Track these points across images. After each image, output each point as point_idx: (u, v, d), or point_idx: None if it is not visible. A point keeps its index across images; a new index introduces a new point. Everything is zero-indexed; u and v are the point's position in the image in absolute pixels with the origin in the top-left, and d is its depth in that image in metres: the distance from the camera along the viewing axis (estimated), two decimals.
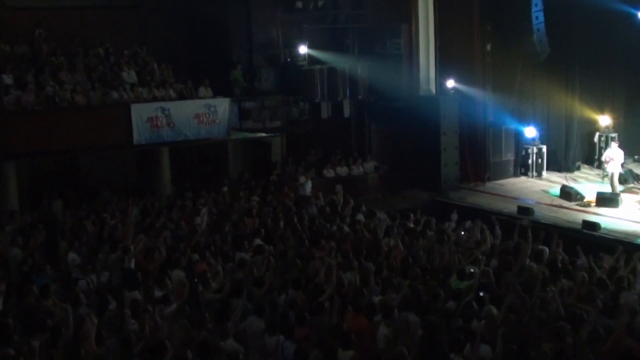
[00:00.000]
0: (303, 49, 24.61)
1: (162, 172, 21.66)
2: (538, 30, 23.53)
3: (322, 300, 10.74)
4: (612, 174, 21.64)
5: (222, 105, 21.93)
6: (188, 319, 9.87)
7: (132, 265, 13.11)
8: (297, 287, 11.50)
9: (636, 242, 17.41)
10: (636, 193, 22.00)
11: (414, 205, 20.42)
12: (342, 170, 24.27)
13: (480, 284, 11.75)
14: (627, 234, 18.12)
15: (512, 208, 20.76)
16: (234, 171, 23.75)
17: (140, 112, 20.35)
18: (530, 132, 25.47)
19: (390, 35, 25.21)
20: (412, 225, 16.56)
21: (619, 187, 21.72)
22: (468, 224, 17.20)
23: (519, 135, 25.66)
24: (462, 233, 16.36)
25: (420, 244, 14.61)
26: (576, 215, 19.90)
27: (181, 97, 21.69)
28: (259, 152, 24.63)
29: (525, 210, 20.18)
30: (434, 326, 9.64)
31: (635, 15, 23.18)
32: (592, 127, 25.77)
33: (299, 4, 24.86)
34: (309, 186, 21.56)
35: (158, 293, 11.47)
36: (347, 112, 25.89)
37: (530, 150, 25.37)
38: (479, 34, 24.17)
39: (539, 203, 21.53)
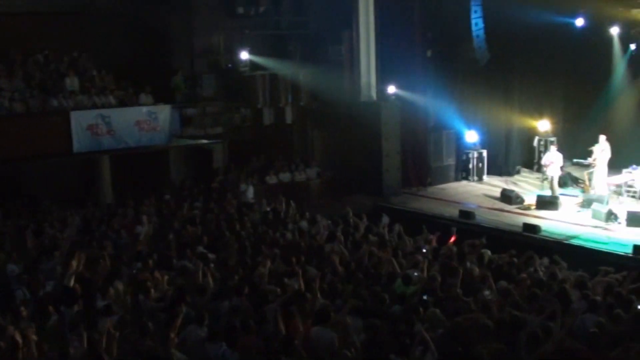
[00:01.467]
0: (245, 55, 24.48)
1: (102, 180, 21.36)
2: (477, 36, 23.83)
3: (266, 308, 10.67)
4: (552, 178, 22.07)
5: (163, 112, 21.79)
6: (131, 330, 9.72)
7: (72, 279, 12.83)
8: (240, 295, 11.42)
9: (573, 244, 17.78)
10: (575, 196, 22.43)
11: (358, 211, 20.45)
12: (285, 177, 24.24)
13: (424, 288, 11.85)
14: (567, 235, 18.46)
15: (453, 212, 20.95)
16: (176, 178, 23.58)
17: (80, 120, 20.12)
18: (471, 136, 25.79)
19: (331, 42, 25.34)
20: (354, 230, 16.66)
21: (558, 190, 22.14)
22: (396, 226, 17.25)
23: (459, 140, 25.95)
24: (405, 238, 16.40)
25: (363, 249, 14.65)
26: (517, 219, 20.19)
27: (122, 104, 21.48)
28: (200, 159, 24.43)
29: (466, 214, 20.41)
30: (377, 330, 9.66)
31: (572, 24, 23.70)
32: (532, 131, 26.15)
33: (241, 10, 24.70)
34: (251, 193, 21.51)
35: (100, 303, 11.27)
36: (289, 118, 25.87)
37: (471, 155, 25.69)
38: (419, 40, 24.38)
39: (480, 207, 21.78)
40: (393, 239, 16.21)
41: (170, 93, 23.26)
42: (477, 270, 13.21)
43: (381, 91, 24.50)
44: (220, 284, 12.28)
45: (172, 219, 17.72)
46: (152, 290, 11.71)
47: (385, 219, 18.06)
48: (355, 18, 24.30)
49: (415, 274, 12.75)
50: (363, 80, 24.44)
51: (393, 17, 24.26)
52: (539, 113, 26.20)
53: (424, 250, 14.72)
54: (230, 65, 24.94)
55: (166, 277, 12.70)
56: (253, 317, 10.36)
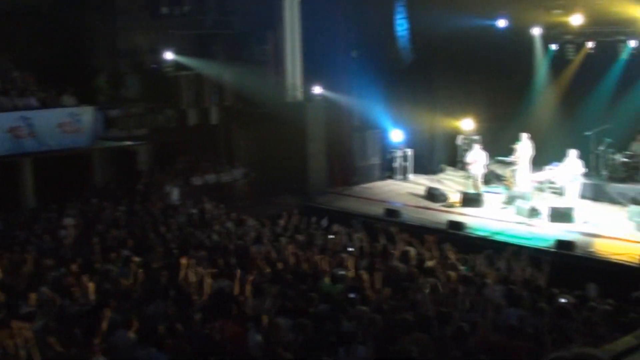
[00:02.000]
0: (169, 55, 24.26)
1: (25, 183, 20.97)
2: (402, 37, 24.09)
3: (193, 310, 10.61)
4: (476, 176, 22.44)
5: (87, 114, 21.48)
6: (55, 336, 9.55)
7: None
8: (166, 298, 11.33)
9: (497, 240, 18.11)
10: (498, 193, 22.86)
11: (283, 211, 20.46)
12: (211, 178, 24.09)
13: (350, 286, 11.95)
14: (491, 232, 18.82)
15: (379, 211, 21.12)
16: (100, 181, 23.23)
17: (1, 122, 19.71)
18: (396, 136, 26.03)
19: (257, 42, 25.28)
20: (281, 230, 16.71)
21: (482, 188, 22.53)
22: (335, 227, 17.39)
23: (385, 140, 26.16)
24: (330, 237, 16.48)
25: (289, 249, 14.68)
26: (442, 216, 20.47)
27: (44, 105, 21.09)
28: (125, 160, 24.11)
29: (392, 213, 20.61)
30: (305, 330, 9.72)
31: (494, 25, 24.15)
32: (456, 131, 26.51)
33: (165, 10, 24.30)
34: (176, 194, 21.33)
35: (24, 309, 11.04)
36: (214, 119, 25.72)
37: (396, 154, 25.93)
38: (344, 41, 24.51)
39: (406, 205, 22.00)
40: (320, 238, 16.27)
41: (93, 94, 22.95)
42: (403, 268, 13.36)
43: (306, 91, 24.57)
44: (146, 288, 12.15)
45: (96, 222, 17.46)
46: (77, 296, 11.52)
47: (324, 222, 18.11)
48: (280, 18, 24.30)
49: (342, 272, 12.84)
50: (288, 80, 24.48)
51: (318, 17, 24.30)
52: (463, 112, 26.56)
53: (350, 249, 14.80)
54: (154, 65, 24.72)
55: (91, 282, 12.48)
56: (180, 320, 10.26)
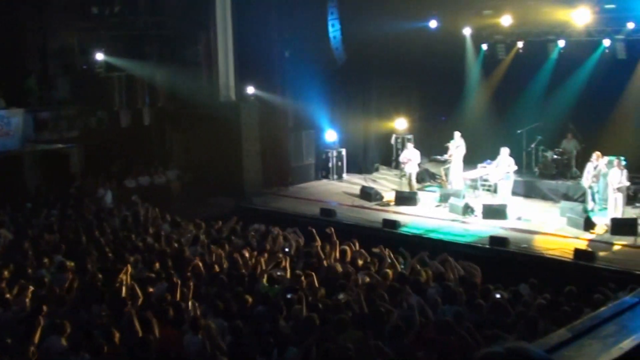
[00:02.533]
0: (100, 56, 23.84)
1: None
2: (334, 37, 24.21)
3: (128, 315, 10.47)
4: (410, 174, 22.66)
5: (16, 116, 21.06)
6: None
7: None
8: (100, 303, 11.18)
9: (432, 237, 18.33)
10: (433, 191, 23.13)
11: (220, 213, 20.36)
12: (144, 180, 23.82)
13: (288, 287, 11.95)
14: (425, 229, 19.03)
15: (315, 210, 21.18)
16: (31, 185, 22.77)
17: None
18: (330, 136, 26.15)
19: (189, 42, 25.12)
20: (216, 233, 16.63)
21: (416, 186, 22.77)
22: (270, 229, 17.33)
23: (319, 140, 26.28)
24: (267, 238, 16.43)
25: (226, 251, 14.63)
26: (377, 215, 20.63)
27: None
28: (56, 164, 23.62)
29: (327, 212, 20.68)
30: (241, 331, 9.72)
31: (427, 26, 24.44)
32: (389, 130, 26.76)
33: (95, 10, 23.90)
34: (109, 198, 21.05)
35: None
36: (147, 120, 25.39)
37: (330, 154, 26.07)
38: (276, 41, 24.51)
39: (341, 204, 22.12)
40: (255, 240, 16.23)
41: (23, 96, 22.47)
42: (339, 267, 13.41)
43: (240, 92, 24.50)
44: (81, 293, 11.97)
45: (28, 227, 17.11)
46: (10, 303, 11.29)
47: (260, 226, 17.98)
48: (212, 18, 24.14)
49: (279, 273, 12.84)
50: (221, 80, 24.33)
51: (251, 17, 24.22)
52: (396, 112, 26.86)
53: (287, 250, 14.81)
54: (85, 66, 24.32)
55: (24, 288, 12.23)
56: (115, 325, 10.12)
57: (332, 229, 15.48)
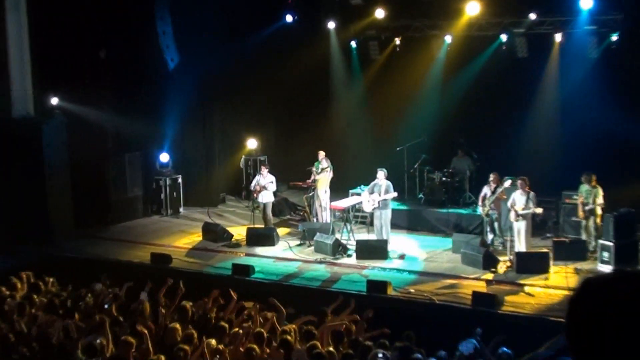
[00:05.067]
0: None
1: None
2: (165, 33, 23.95)
3: None
4: (265, 205, 22.43)
5: None
6: None
7: None
8: None
9: (294, 284, 18.17)
10: (294, 226, 23.05)
11: (21, 264, 19.65)
12: None
13: (112, 357, 11.54)
14: (286, 274, 18.81)
15: (144, 256, 20.72)
16: None
17: None
18: (163, 159, 25.76)
19: None
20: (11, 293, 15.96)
21: (272, 220, 22.62)
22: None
23: (148, 165, 25.86)
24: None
25: (27, 316, 14.02)
26: (225, 258, 20.38)
27: None
28: None
29: (161, 258, 20.21)
30: None
31: (284, 24, 24.59)
32: (238, 150, 26.62)
33: None
34: None
35: None
36: None
37: (162, 182, 25.65)
38: (88, 38, 23.93)
39: (177, 247, 21.79)
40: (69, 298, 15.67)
41: None
42: (178, 327, 13.04)
43: (41, 104, 23.68)
44: None
45: None
46: None
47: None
48: (1, 19, 23.28)
49: (98, 340, 12.36)
50: (15, 90, 23.45)
51: (54, 5, 23.54)
52: (246, 128, 26.73)
53: (106, 307, 14.33)
54: None
55: None
56: None
57: (169, 279, 15.12)
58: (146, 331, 12.31)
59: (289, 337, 12.19)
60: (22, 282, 16.75)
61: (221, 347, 11.96)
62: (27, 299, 15.30)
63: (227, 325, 13.21)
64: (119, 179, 25.24)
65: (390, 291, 17.22)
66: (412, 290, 17.35)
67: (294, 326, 13.04)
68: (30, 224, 22.70)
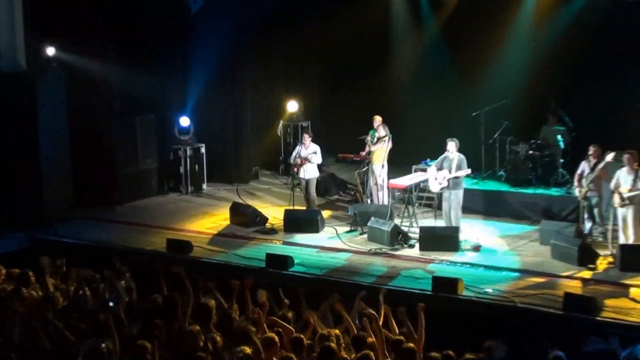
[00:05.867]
0: None
1: None
2: None
3: None
4: (308, 182, 22.33)
5: None
6: None
7: None
8: None
9: (343, 281, 18.04)
10: (343, 208, 22.96)
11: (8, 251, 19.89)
12: None
13: None
14: (331, 268, 18.70)
15: (159, 243, 20.79)
16: None
17: None
18: (183, 124, 25.74)
19: None
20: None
21: (316, 201, 22.53)
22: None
23: (165, 131, 26.00)
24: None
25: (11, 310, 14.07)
26: (258, 248, 20.39)
27: None
28: None
29: (179, 245, 20.17)
30: None
31: None
32: (275, 115, 26.58)
33: None
34: None
35: None
36: None
37: (182, 153, 25.70)
38: None
39: (200, 233, 21.83)
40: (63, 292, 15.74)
41: None
42: (199, 332, 12.99)
43: (35, 56, 23.82)
44: None
45: None
46: None
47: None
48: None
49: (104, 344, 12.36)
50: (3, 39, 23.58)
51: None
52: (286, 89, 26.71)
53: (112, 304, 14.32)
54: None
55: None
56: None
57: (183, 271, 15.05)
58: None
59: (331, 345, 12.08)
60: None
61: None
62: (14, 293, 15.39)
63: (253, 329, 13.15)
64: (129, 148, 25.32)
65: (462, 291, 17.00)
66: (489, 291, 17.13)
67: (336, 331, 12.91)
68: (20, 203, 22.86)
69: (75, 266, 16.86)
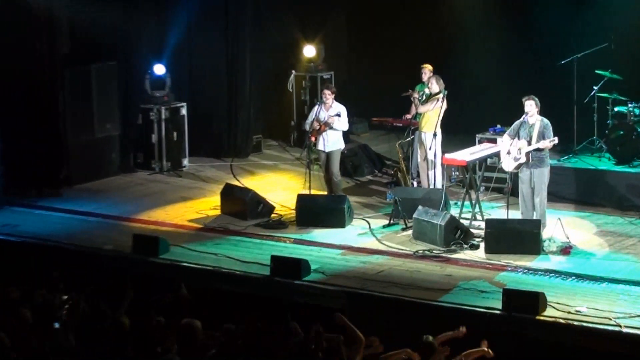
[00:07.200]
0: None
1: None
2: None
3: None
4: (330, 156, 22.18)
5: None
6: None
7: None
8: None
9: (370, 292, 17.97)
10: (379, 193, 22.95)
11: None
12: None
13: None
14: (364, 278, 18.54)
15: (122, 240, 20.74)
16: None
17: None
18: (158, 72, 25.75)
19: None
20: None
21: (341, 183, 22.48)
22: None
23: (130, 85, 25.95)
24: None
25: None
26: (261, 247, 20.40)
27: None
28: None
29: (147, 243, 20.12)
30: None
31: None
32: (284, 63, 26.60)
33: None
34: None
35: None
36: None
37: (155, 115, 25.70)
38: None
39: (179, 226, 21.94)
40: None
41: None
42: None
43: None
44: None
45: None
46: None
47: None
48: None
49: None
50: None
51: None
52: (300, 29, 26.74)
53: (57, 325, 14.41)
54: None
55: None
56: None
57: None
58: None
59: None
60: None
61: None
62: None
63: None
64: (81, 107, 25.28)
65: (545, 310, 16.93)
66: (583, 310, 17.05)
67: None
68: None
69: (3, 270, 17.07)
